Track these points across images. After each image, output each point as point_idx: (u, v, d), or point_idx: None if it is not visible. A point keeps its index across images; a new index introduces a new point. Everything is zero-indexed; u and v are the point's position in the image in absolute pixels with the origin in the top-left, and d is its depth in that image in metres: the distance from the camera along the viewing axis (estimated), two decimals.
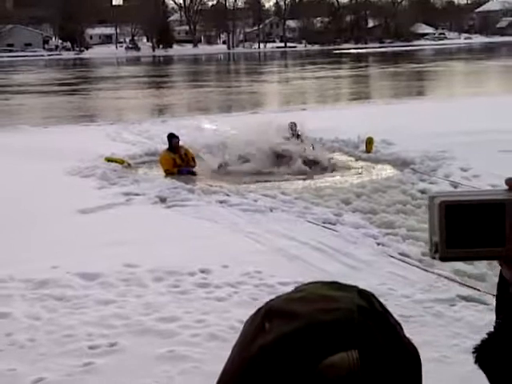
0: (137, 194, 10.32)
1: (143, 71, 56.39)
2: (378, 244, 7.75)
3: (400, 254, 7.37)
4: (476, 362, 0.66)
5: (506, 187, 0.68)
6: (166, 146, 12.65)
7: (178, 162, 12.29)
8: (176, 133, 12.93)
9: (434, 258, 0.68)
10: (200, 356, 5.02)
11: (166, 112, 24.47)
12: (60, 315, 5.82)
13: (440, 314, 5.62)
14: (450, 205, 0.66)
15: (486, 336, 0.66)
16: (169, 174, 12.12)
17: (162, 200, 10.01)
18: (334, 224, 8.57)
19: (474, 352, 0.66)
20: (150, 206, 9.69)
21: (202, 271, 6.79)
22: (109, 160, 12.75)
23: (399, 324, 0.72)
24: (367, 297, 0.72)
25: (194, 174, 12.31)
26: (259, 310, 0.73)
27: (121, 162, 12.78)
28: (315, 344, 0.65)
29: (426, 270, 6.77)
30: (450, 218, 0.66)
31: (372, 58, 66.92)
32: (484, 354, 0.66)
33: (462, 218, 0.66)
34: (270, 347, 0.66)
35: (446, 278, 6.53)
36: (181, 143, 12.67)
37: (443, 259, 0.67)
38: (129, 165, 12.82)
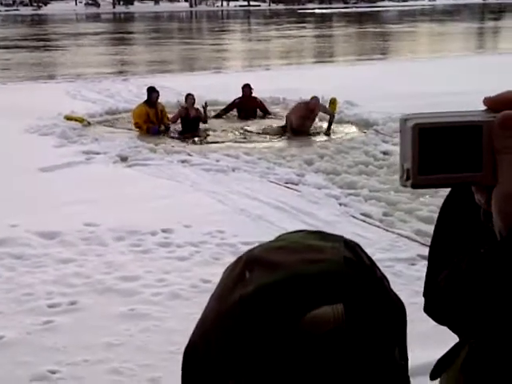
0: (97, 153, 10.17)
1: (103, 28, 55.28)
2: (340, 204, 7.78)
3: (362, 214, 7.42)
4: (444, 290, 0.63)
5: (483, 107, 0.63)
6: (124, 104, 12.41)
7: (152, 117, 11.95)
8: (139, 92, 12.68)
9: (405, 185, 0.62)
10: (161, 314, 5.02)
11: (127, 70, 24.06)
12: (19, 274, 5.75)
13: (400, 273, 5.68)
14: (423, 128, 0.61)
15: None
16: (138, 127, 11.88)
17: (123, 159, 9.88)
18: (297, 184, 8.59)
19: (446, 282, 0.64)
20: (110, 165, 9.56)
21: (164, 231, 6.75)
22: (68, 118, 12.51)
23: (386, 277, 0.69)
24: (353, 248, 0.69)
25: (162, 132, 11.99)
26: (240, 258, 0.69)
27: (81, 120, 12.55)
28: (298, 296, 0.62)
29: (387, 230, 6.84)
30: (423, 142, 0.61)
31: (336, 18, 66.65)
32: (453, 283, 0.63)
33: (436, 141, 0.61)
34: (250, 298, 0.63)
35: (406, 237, 6.61)
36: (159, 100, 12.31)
37: (415, 186, 0.62)
38: (89, 123, 12.60)
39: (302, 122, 11.94)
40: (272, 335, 0.61)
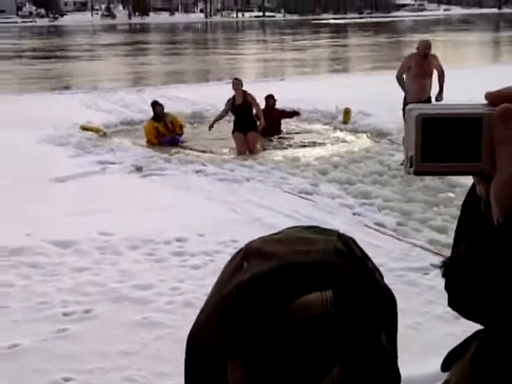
0: (112, 163, 10.24)
1: (119, 39, 55.67)
2: (354, 214, 7.78)
3: (375, 223, 7.41)
4: (443, 276, 0.67)
5: (485, 101, 0.66)
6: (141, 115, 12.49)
7: (162, 130, 11.98)
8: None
9: (408, 172, 0.66)
10: (174, 323, 5.04)
11: (141, 81, 24.21)
12: (34, 282, 5.79)
13: (413, 282, 5.67)
14: (427, 118, 0.65)
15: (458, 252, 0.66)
16: (150, 144, 11.91)
17: (138, 169, 9.95)
18: (311, 194, 8.59)
19: (441, 266, 0.67)
20: (125, 175, 9.63)
21: (178, 240, 6.78)
22: (84, 128, 12.62)
23: (378, 270, 0.73)
24: (346, 241, 0.72)
25: (176, 144, 12.03)
26: (239, 251, 0.74)
27: (96, 130, 12.66)
28: (289, 283, 0.66)
29: (401, 240, 6.83)
30: (426, 131, 0.65)
31: (351, 28, 66.69)
32: (453, 270, 0.66)
33: (438, 131, 0.65)
34: (245, 285, 0.67)
35: (420, 247, 6.60)
36: (166, 111, 12.39)
37: (418, 173, 0.66)
38: (104, 133, 12.70)
39: (420, 83, 10.88)
40: (263, 319, 0.65)
